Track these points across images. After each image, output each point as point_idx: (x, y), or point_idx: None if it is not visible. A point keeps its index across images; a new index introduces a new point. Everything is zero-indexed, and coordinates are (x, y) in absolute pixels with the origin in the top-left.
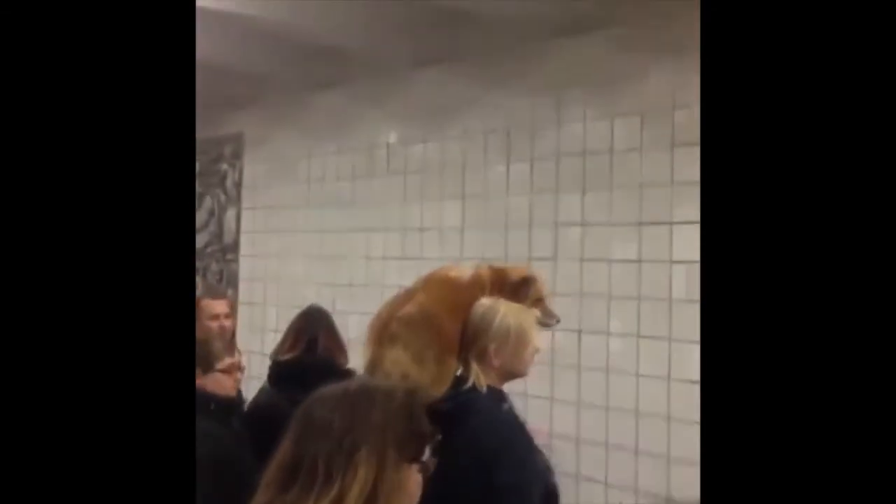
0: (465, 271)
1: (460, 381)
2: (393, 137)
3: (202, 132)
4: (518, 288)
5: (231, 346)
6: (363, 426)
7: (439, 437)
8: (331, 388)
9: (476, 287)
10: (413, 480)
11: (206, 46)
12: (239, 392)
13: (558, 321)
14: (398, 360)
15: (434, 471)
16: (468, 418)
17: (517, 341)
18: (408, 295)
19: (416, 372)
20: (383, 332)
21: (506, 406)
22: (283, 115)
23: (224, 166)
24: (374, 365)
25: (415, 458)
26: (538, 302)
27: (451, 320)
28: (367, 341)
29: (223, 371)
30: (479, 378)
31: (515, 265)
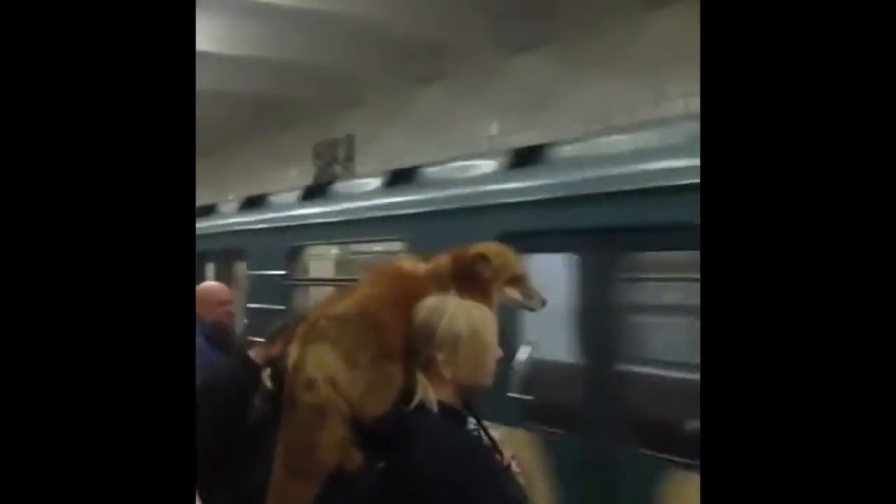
0: (421, 264)
1: (407, 397)
2: (494, 129)
3: (316, 137)
4: (473, 271)
5: None
6: None
7: (380, 465)
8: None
9: (431, 280)
10: None
11: (314, 49)
12: None
13: (544, 303)
14: (323, 360)
15: None
16: (409, 444)
17: (471, 347)
18: (347, 291)
19: (347, 376)
20: (309, 330)
21: (466, 428)
22: (388, 113)
23: (338, 168)
24: (295, 367)
25: None
26: (514, 282)
27: (396, 322)
28: (294, 342)
29: None
30: (428, 393)
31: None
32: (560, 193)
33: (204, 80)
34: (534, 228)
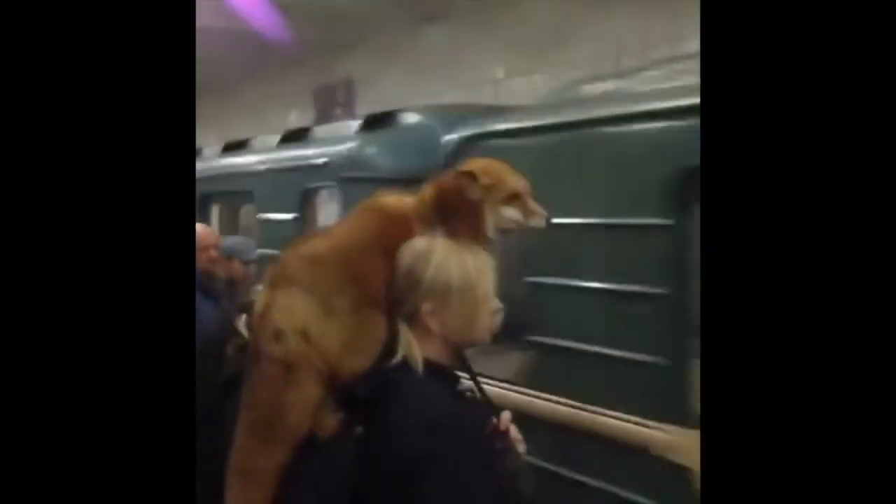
0: (406, 198)
1: (390, 353)
2: (501, 72)
3: (315, 81)
4: (459, 197)
5: None
6: None
7: (358, 430)
8: None
9: (416, 217)
10: None
11: None
12: None
13: (549, 221)
14: (292, 308)
15: (347, 478)
16: (387, 408)
17: (464, 297)
18: (323, 230)
19: (320, 326)
20: (278, 273)
21: (457, 389)
22: (390, 54)
23: (338, 112)
24: (261, 316)
25: None
26: (512, 199)
27: (379, 264)
28: (261, 286)
29: None
30: (412, 350)
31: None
32: None
33: (206, 17)
34: None
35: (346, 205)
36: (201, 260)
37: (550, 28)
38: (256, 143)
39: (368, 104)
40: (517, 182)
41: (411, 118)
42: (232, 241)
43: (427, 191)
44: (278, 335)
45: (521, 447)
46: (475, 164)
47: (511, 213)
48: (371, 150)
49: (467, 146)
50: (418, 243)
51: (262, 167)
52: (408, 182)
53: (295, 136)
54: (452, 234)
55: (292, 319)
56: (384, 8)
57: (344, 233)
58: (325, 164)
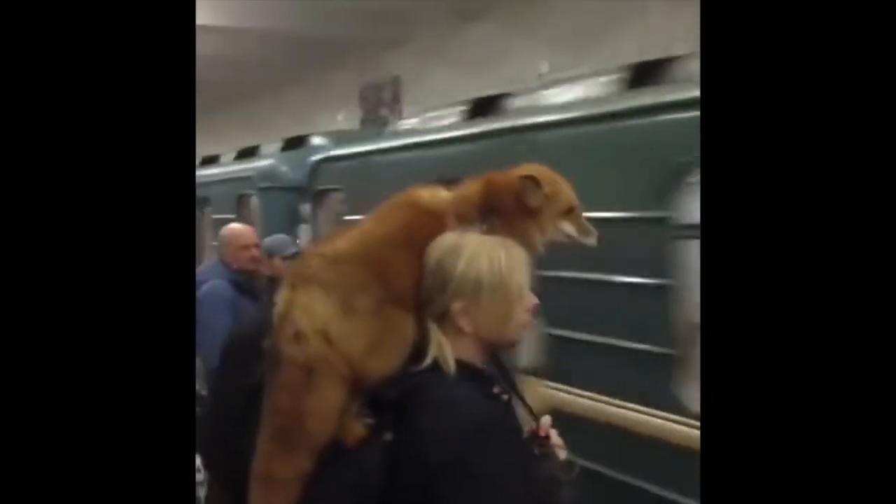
0: (442, 192)
1: (420, 354)
2: (545, 67)
3: (361, 79)
4: (516, 200)
5: None
6: None
7: (387, 436)
8: None
9: (453, 212)
10: None
11: None
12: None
13: (599, 238)
14: (312, 308)
15: (375, 486)
16: (416, 412)
17: (496, 294)
18: (347, 227)
19: (343, 328)
20: (298, 273)
21: (492, 391)
22: (435, 52)
23: (384, 111)
24: (281, 317)
25: None
26: (567, 214)
27: (407, 261)
28: (282, 285)
29: None
30: (443, 351)
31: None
32: None
33: (249, 19)
34: None
35: (263, 207)
36: (244, 259)
37: (594, 23)
38: (264, 149)
39: (415, 103)
40: (573, 195)
41: (316, 140)
42: (271, 239)
43: (472, 187)
44: (298, 337)
45: (563, 453)
46: (535, 168)
47: (568, 227)
48: (280, 166)
49: (318, 166)
50: (448, 238)
51: (215, 178)
52: (303, 191)
53: (295, 143)
54: (492, 234)
55: (312, 320)
56: (429, 7)
57: (369, 229)
58: (250, 176)
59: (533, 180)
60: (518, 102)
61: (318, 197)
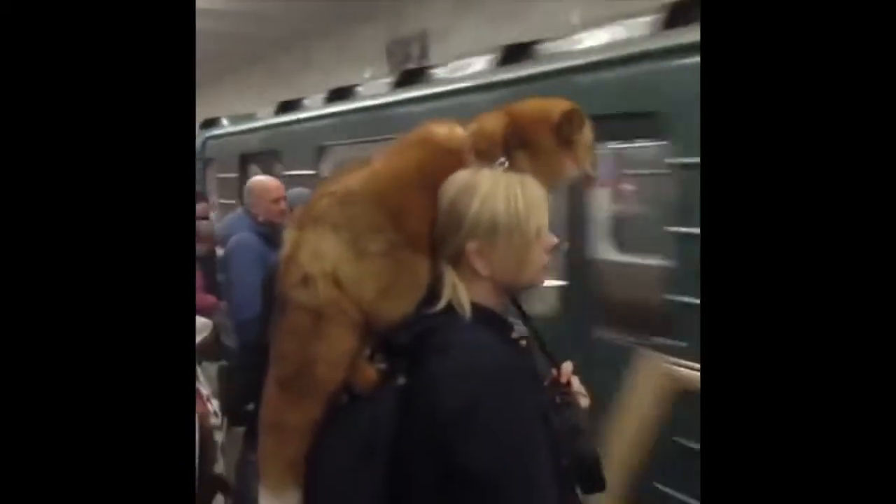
0: (458, 128)
1: (434, 297)
2: (576, 18)
3: (388, 35)
4: (557, 131)
5: None
6: None
7: (400, 380)
8: None
9: (472, 147)
10: None
11: None
12: None
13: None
14: (320, 250)
15: (387, 432)
16: (430, 356)
17: (513, 235)
18: (359, 165)
19: (352, 269)
20: (306, 213)
21: (510, 336)
22: (463, 5)
23: (412, 66)
24: (288, 259)
25: None
26: (588, 150)
27: (420, 201)
28: (289, 226)
29: None
30: (458, 293)
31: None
32: None
33: None
34: None
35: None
36: (274, 212)
37: None
38: (308, 102)
39: (442, 57)
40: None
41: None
42: (296, 191)
43: (490, 120)
44: (306, 280)
45: (585, 401)
46: (559, 101)
47: (589, 166)
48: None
49: (204, 144)
50: (461, 176)
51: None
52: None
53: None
54: (517, 169)
55: (321, 263)
56: None
57: (381, 167)
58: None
59: (577, 114)
60: (551, 48)
61: None
